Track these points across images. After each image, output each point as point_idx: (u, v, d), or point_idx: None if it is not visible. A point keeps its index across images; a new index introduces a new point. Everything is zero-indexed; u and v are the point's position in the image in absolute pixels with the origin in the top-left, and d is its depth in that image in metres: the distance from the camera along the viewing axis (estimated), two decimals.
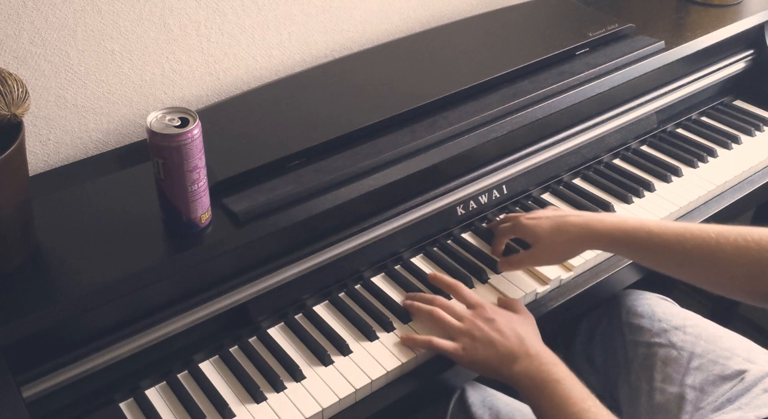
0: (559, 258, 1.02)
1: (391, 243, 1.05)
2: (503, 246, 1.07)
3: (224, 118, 1.07)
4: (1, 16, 0.95)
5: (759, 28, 1.43)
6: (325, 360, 0.91)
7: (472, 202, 1.11)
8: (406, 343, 0.94)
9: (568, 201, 1.18)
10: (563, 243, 0.98)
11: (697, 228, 0.88)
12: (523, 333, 0.90)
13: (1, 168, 0.75)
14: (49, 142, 1.08)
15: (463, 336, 0.91)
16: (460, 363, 0.92)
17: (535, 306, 1.02)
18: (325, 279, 1.00)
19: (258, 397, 0.86)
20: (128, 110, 1.13)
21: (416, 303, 0.97)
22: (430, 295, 0.99)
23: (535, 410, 0.85)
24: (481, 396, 1.02)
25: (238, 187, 0.96)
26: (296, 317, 0.97)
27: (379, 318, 0.96)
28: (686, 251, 0.87)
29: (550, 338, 1.00)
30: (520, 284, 1.03)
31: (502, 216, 1.11)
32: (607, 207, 1.15)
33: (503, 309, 0.95)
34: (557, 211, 1.05)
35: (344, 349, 0.92)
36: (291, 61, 1.27)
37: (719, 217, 1.20)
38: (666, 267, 0.92)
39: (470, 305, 0.96)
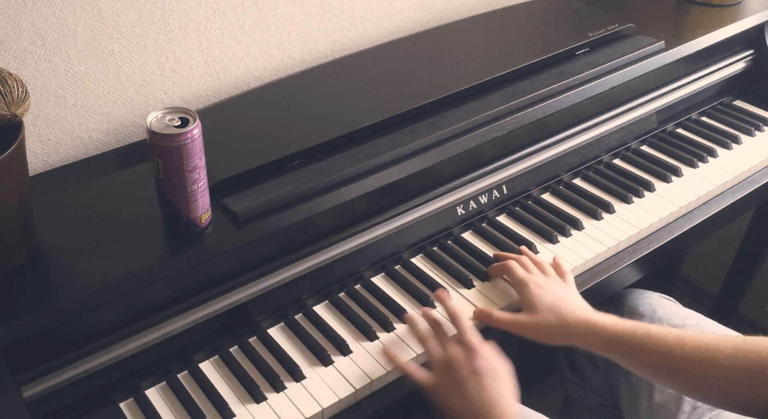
0: (542, 339, 0.93)
1: (391, 243, 1.05)
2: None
3: (224, 118, 1.07)
4: (1, 16, 0.95)
5: (759, 28, 1.43)
6: (325, 360, 0.91)
7: (472, 202, 1.11)
8: (386, 356, 0.91)
9: (568, 201, 1.17)
10: (556, 330, 0.91)
11: (696, 333, 0.85)
12: (505, 394, 0.83)
13: (1, 168, 0.75)
14: (49, 142, 1.08)
15: (441, 372, 0.86)
16: (431, 397, 0.85)
17: None
18: (325, 279, 1.00)
19: (258, 397, 0.86)
20: (128, 110, 1.13)
21: (410, 315, 0.95)
22: (427, 312, 0.94)
23: None
24: None
25: (238, 187, 0.96)
26: (296, 317, 0.97)
27: (379, 318, 0.96)
28: (684, 355, 0.83)
29: None
30: None
31: (519, 249, 1.05)
32: (607, 207, 1.15)
33: (496, 360, 0.86)
34: (566, 288, 0.96)
35: (344, 349, 0.92)
36: (291, 61, 1.27)
37: (719, 217, 1.20)
38: (663, 371, 0.86)
39: (465, 343, 0.87)
